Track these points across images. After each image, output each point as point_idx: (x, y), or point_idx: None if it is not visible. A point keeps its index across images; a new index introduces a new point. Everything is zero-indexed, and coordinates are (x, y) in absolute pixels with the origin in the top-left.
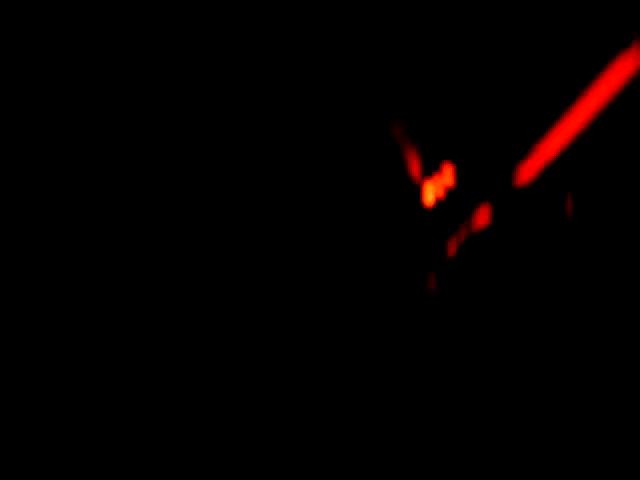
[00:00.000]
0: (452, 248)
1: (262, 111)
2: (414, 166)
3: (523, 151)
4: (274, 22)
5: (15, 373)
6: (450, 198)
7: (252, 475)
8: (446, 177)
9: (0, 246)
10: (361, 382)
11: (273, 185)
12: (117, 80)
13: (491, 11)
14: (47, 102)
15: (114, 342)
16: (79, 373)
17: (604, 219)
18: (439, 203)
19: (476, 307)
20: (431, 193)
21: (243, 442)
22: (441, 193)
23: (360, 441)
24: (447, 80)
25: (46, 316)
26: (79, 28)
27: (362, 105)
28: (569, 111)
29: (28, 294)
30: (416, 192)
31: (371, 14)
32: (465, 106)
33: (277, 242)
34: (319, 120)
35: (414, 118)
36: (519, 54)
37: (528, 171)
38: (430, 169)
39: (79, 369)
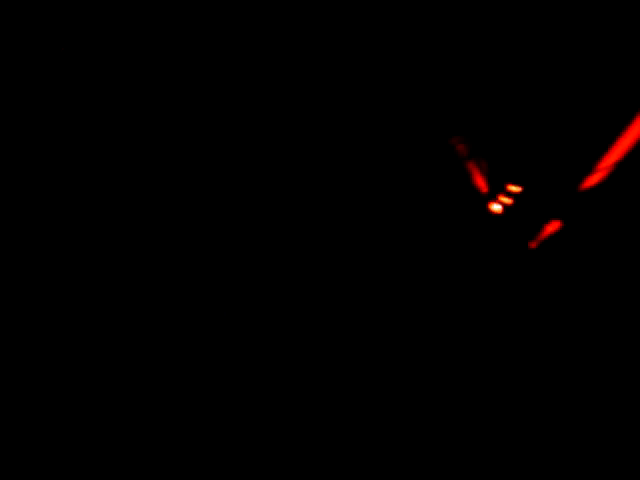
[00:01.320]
0: (523, 253)
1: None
2: (480, 177)
3: (587, 157)
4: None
5: (15, 373)
6: (518, 205)
7: (252, 475)
8: (513, 185)
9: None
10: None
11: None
12: (117, 80)
13: (553, 30)
14: (47, 102)
15: (114, 342)
16: (79, 373)
17: None
18: (507, 210)
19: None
20: (498, 201)
21: (243, 442)
22: (508, 201)
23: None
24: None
25: (46, 316)
26: (79, 28)
27: (429, 123)
28: (631, 121)
29: (28, 294)
30: (483, 201)
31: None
32: (529, 116)
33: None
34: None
35: (479, 130)
36: (579, 68)
37: (593, 177)
38: (497, 179)
39: (79, 368)
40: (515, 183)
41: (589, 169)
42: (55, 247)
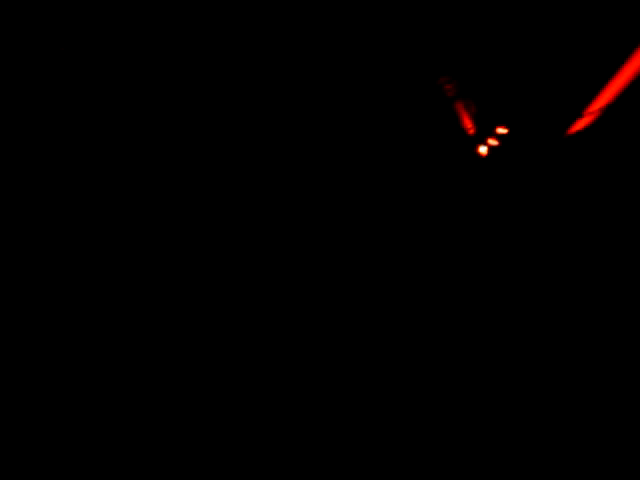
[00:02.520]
0: (509, 194)
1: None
2: (468, 119)
3: (575, 104)
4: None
5: (15, 373)
6: (504, 147)
7: (252, 475)
8: (500, 128)
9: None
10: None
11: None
12: (117, 80)
13: None
14: (47, 102)
15: (114, 342)
16: (79, 373)
17: None
18: (494, 151)
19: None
20: (485, 145)
21: (243, 442)
22: (495, 142)
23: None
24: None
25: (46, 316)
26: (79, 28)
27: (418, 65)
28: (618, 69)
29: (28, 294)
30: (471, 143)
31: None
32: (519, 59)
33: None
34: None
35: (468, 72)
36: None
37: (579, 123)
38: (484, 121)
39: (79, 369)
40: (503, 125)
41: (577, 113)
42: (55, 247)
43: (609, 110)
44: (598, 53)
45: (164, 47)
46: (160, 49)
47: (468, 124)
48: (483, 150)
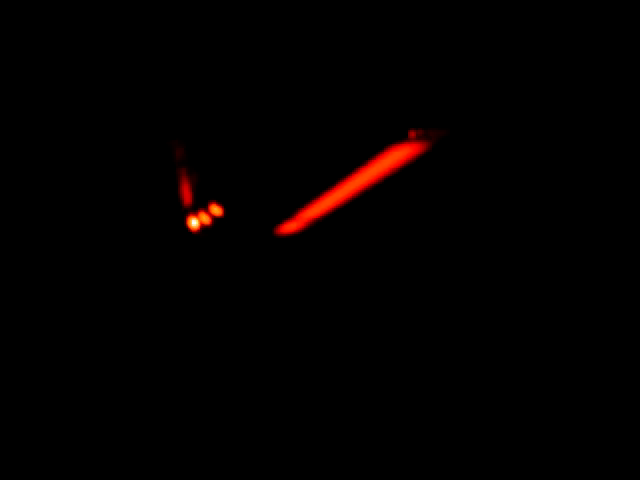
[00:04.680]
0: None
1: None
2: (186, 191)
3: (290, 203)
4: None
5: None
6: (216, 226)
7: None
8: (215, 206)
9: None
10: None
11: None
12: (117, 80)
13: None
14: (47, 102)
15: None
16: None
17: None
18: (205, 229)
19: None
20: (197, 219)
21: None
22: (208, 220)
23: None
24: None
25: (46, 316)
26: (79, 28)
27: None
28: (341, 179)
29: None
30: (184, 214)
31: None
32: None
33: None
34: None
35: (195, 143)
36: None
37: (289, 226)
38: (202, 196)
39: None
40: (219, 204)
41: (288, 215)
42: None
43: (322, 220)
44: (318, 166)
45: (164, 47)
46: (160, 49)
47: (187, 195)
48: (194, 224)
